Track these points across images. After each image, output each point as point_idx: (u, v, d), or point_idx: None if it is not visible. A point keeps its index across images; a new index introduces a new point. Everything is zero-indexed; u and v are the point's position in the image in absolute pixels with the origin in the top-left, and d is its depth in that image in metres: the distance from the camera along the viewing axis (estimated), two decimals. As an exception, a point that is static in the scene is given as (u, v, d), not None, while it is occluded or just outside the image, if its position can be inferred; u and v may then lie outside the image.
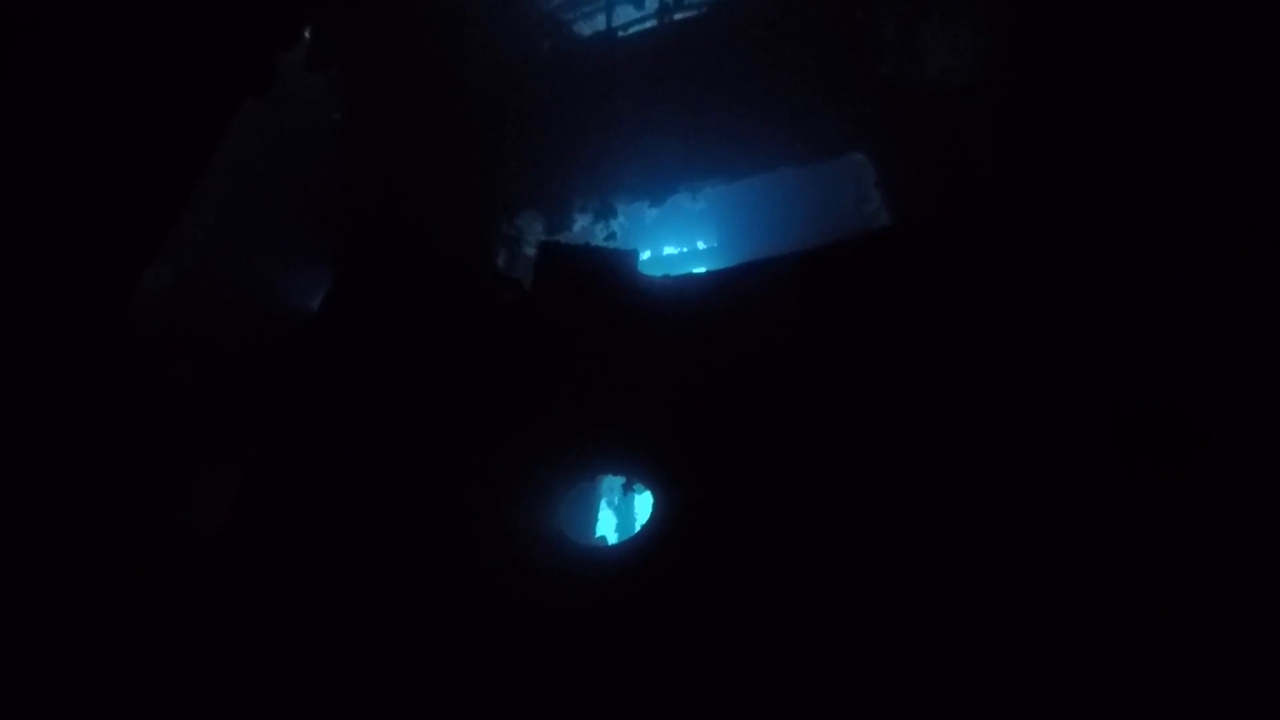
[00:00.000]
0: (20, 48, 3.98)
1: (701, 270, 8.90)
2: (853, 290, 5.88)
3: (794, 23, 7.93)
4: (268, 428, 7.11)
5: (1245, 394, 4.46)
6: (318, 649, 5.57)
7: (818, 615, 4.79)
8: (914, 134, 7.03)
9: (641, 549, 5.54)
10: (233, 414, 8.49)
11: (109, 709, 5.64)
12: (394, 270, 7.54)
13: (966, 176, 6.37)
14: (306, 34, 8.24)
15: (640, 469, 6.07)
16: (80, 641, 6.14)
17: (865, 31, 7.42)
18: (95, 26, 4.26)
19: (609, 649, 5.09)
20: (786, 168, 9.05)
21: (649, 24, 9.04)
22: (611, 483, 9.28)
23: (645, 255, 14.16)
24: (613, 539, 12.26)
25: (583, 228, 9.21)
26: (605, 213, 9.16)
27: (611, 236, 9.20)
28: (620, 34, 9.09)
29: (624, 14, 9.59)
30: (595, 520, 11.90)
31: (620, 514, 14.06)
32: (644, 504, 12.22)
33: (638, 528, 5.93)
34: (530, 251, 8.49)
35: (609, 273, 6.89)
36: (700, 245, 14.86)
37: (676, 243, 15.07)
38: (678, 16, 8.86)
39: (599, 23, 9.68)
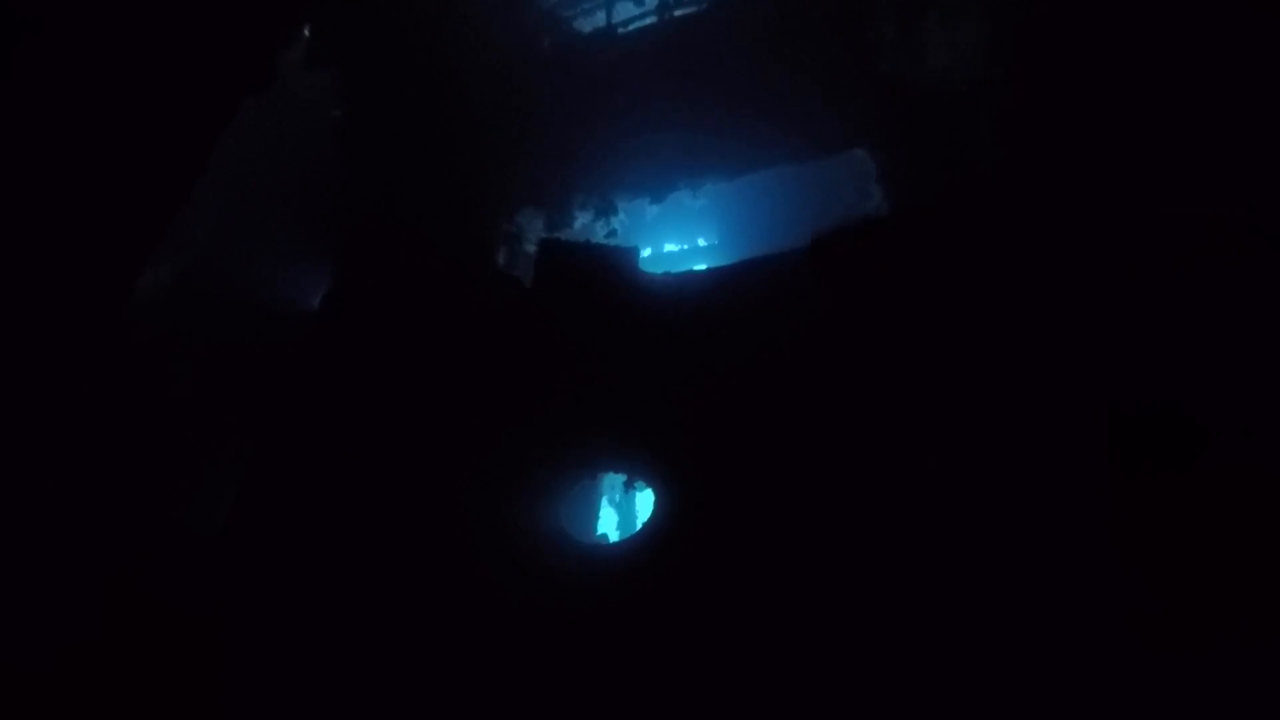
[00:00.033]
0: (20, 47, 3.97)
1: (702, 267, 8.90)
2: (853, 286, 5.88)
3: (794, 19, 7.92)
4: (268, 427, 7.11)
5: (1245, 394, 4.45)
6: (318, 649, 5.57)
7: (819, 613, 4.79)
8: (915, 130, 7.02)
9: (643, 547, 5.54)
10: (233, 414, 8.49)
11: (109, 709, 5.64)
12: (394, 269, 7.53)
13: (967, 172, 6.36)
14: (306, 32, 8.24)
15: (641, 466, 6.07)
16: (80, 641, 6.14)
17: (865, 28, 7.41)
18: (94, 25, 4.26)
19: (611, 646, 5.09)
20: (787, 164, 9.05)
21: (649, 21, 9.02)
22: (613, 480, 9.30)
23: (646, 252, 14.17)
24: (614, 537, 12.28)
25: (583, 225, 9.20)
26: (606, 210, 9.16)
27: (612, 234, 9.19)
28: (620, 31, 9.08)
29: (624, 10, 9.58)
30: (596, 518, 11.91)
31: (622, 512, 14.05)
32: (645, 502, 12.22)
33: (639, 526, 5.92)
34: (531, 249, 8.49)
35: (610, 270, 6.89)
36: (701, 242, 14.87)
37: (677, 240, 15.08)
38: (678, 13, 8.85)
39: (599, 19, 9.67)
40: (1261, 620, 3.95)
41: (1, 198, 3.98)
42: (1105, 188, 5.46)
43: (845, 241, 6.09)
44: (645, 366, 6.18)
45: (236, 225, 9.99)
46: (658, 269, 7.40)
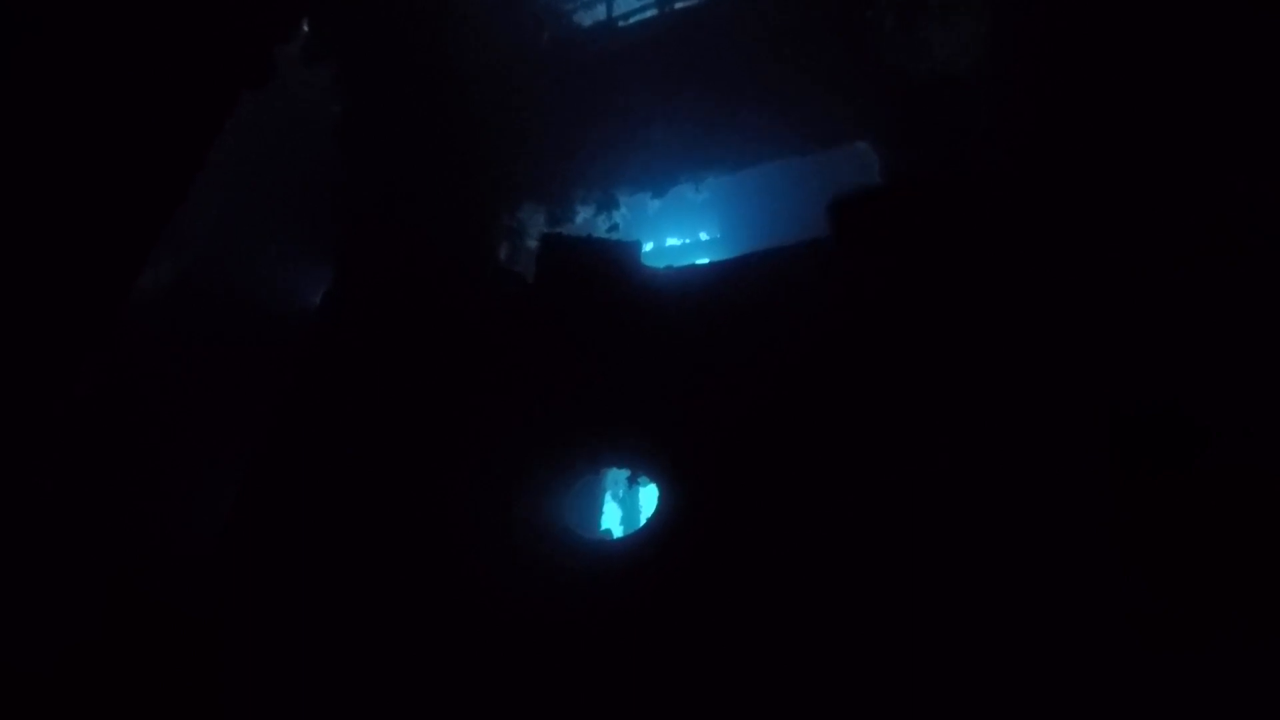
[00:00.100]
0: (18, 45, 3.97)
1: (704, 261, 8.88)
2: (854, 284, 5.88)
3: (796, 11, 7.90)
4: (268, 427, 7.11)
5: (1245, 394, 4.45)
6: (318, 649, 5.57)
7: (820, 610, 4.79)
8: (917, 122, 7.01)
9: (646, 542, 5.53)
10: (233, 413, 8.49)
11: (109, 709, 5.64)
12: (395, 266, 7.53)
13: (969, 165, 6.34)
14: (304, 27, 8.23)
15: (645, 461, 6.07)
16: (80, 641, 6.14)
17: (867, 20, 7.40)
18: (91, 20, 4.25)
19: (614, 643, 5.08)
20: (789, 158, 9.03)
21: (649, 13, 8.99)
22: (616, 476, 9.29)
23: (648, 247, 14.15)
24: (618, 532, 12.27)
25: (585, 219, 9.19)
26: (607, 204, 9.13)
27: (614, 228, 9.17)
28: (621, 24, 9.05)
29: (624, 3, 9.55)
30: (600, 513, 11.89)
31: (625, 507, 14.03)
32: (649, 497, 12.22)
33: (643, 521, 5.92)
34: (532, 244, 8.47)
35: (612, 264, 6.89)
36: (703, 236, 14.84)
37: (679, 234, 15.05)
38: (678, 5, 8.82)
39: (599, 12, 9.64)
40: (1261, 620, 3.95)
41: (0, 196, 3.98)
42: (1105, 186, 5.46)
43: (865, 202, 6.11)
44: (648, 361, 6.18)
45: (237, 224, 9.99)
46: (660, 263, 7.40)
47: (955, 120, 6.66)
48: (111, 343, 7.51)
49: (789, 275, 6.19)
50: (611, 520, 13.34)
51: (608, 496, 12.49)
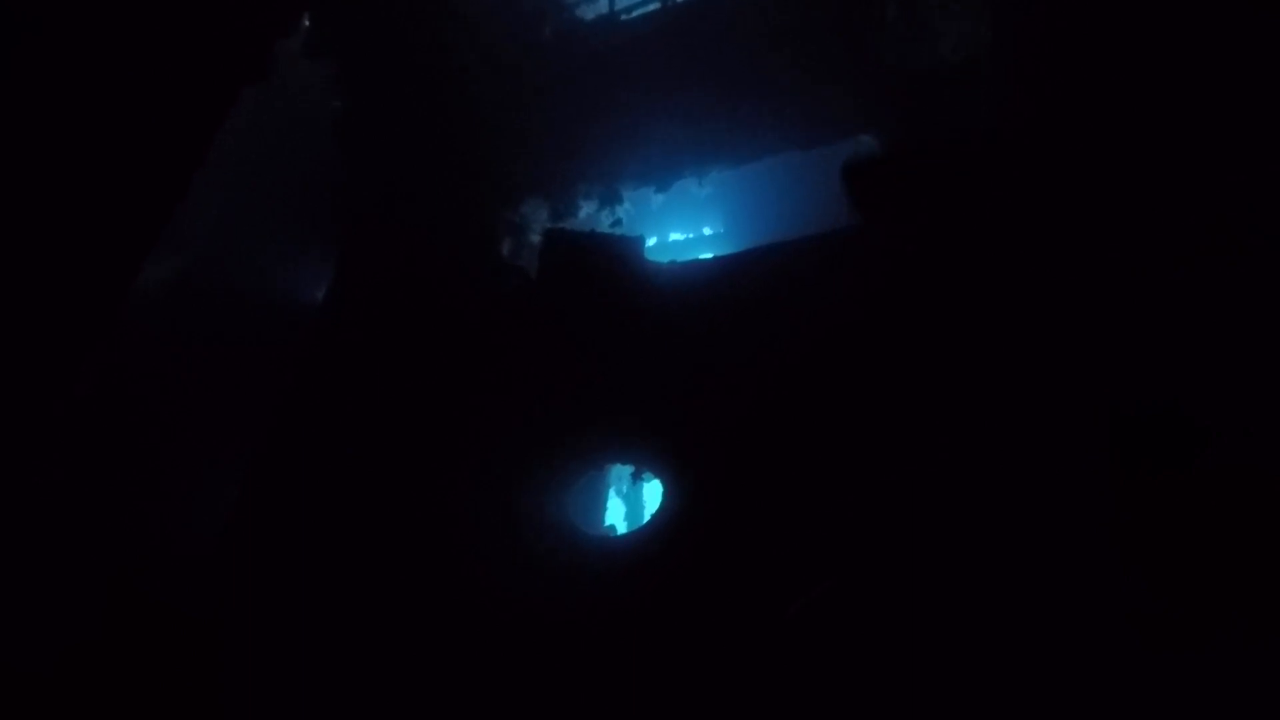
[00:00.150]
0: (18, 42, 3.97)
1: (708, 256, 8.86)
2: (856, 281, 5.88)
3: (799, 4, 7.88)
4: (268, 427, 7.11)
5: (1245, 394, 4.45)
6: (319, 649, 5.56)
7: (822, 608, 4.78)
8: (921, 115, 7.00)
9: (650, 539, 5.53)
10: (233, 413, 8.48)
11: (109, 709, 5.64)
12: (397, 262, 7.52)
13: (971, 158, 6.33)
14: (305, 22, 8.23)
15: (648, 457, 6.06)
16: (80, 641, 6.14)
17: (869, 13, 7.40)
18: (90, 15, 4.24)
19: (618, 639, 5.08)
20: (793, 151, 9.00)
21: (652, 7, 8.97)
22: (620, 471, 9.27)
23: (651, 241, 14.08)
24: (622, 529, 12.25)
25: (588, 214, 9.17)
26: (611, 199, 9.12)
27: (617, 223, 9.14)
28: (623, 18, 9.04)
29: (625, -4, 9.53)
30: (604, 509, 11.88)
31: (629, 503, 14.01)
32: (653, 492, 12.19)
33: (647, 517, 5.92)
34: (535, 239, 8.46)
35: (615, 259, 6.89)
36: (706, 231, 14.80)
37: (683, 228, 15.00)
38: (681, -1, 8.81)
39: (601, 6, 9.62)
40: (1261, 620, 3.95)
41: None
42: (1105, 185, 5.46)
43: (878, 164, 6.12)
44: (651, 357, 6.17)
45: (237, 224, 9.99)
46: (663, 258, 7.39)
47: (958, 114, 6.66)
48: (111, 343, 7.50)
49: (793, 270, 6.18)
50: (615, 517, 13.34)
51: (611, 493, 12.48)
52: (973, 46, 6.73)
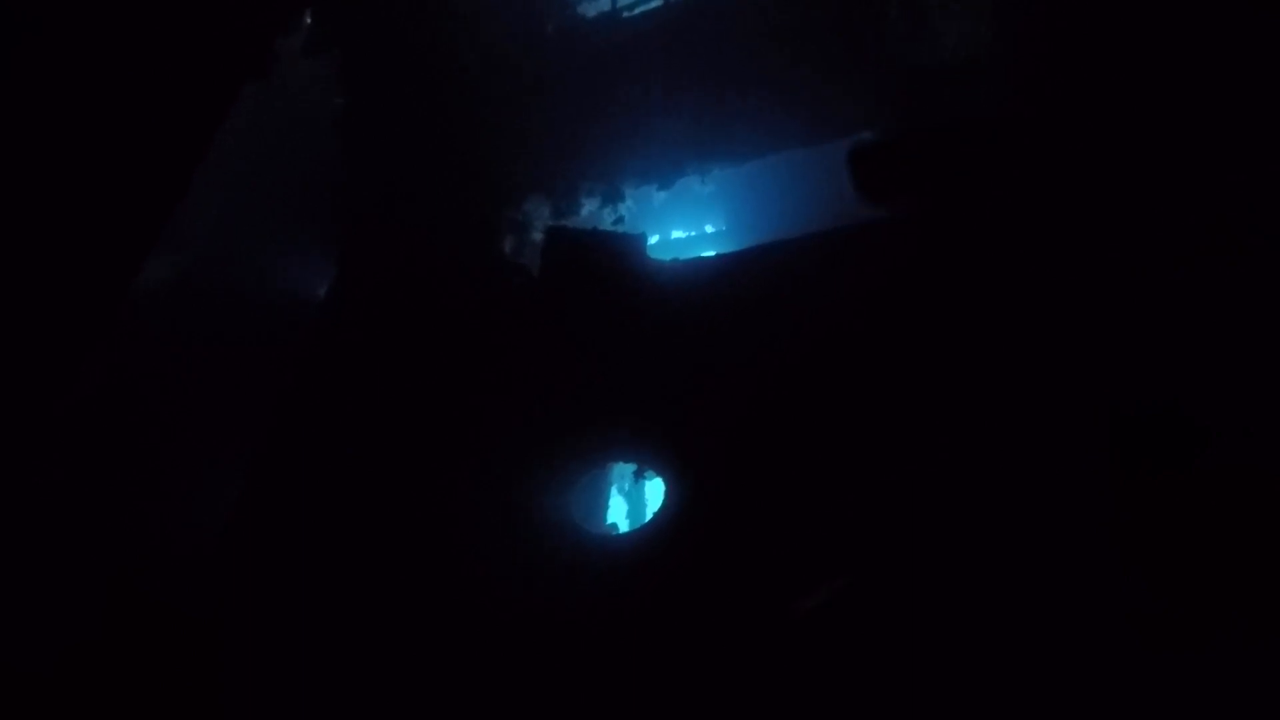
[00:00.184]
0: (18, 42, 3.97)
1: (711, 254, 8.83)
2: (858, 279, 5.88)
3: (801, 0, 7.88)
4: (268, 427, 7.10)
5: (1245, 394, 4.45)
6: (319, 649, 5.56)
7: (824, 606, 4.79)
8: (923, 113, 7.00)
9: (653, 537, 5.53)
10: (233, 413, 8.48)
11: (109, 709, 5.64)
12: (399, 260, 7.52)
13: (976, 145, 6.33)
14: (307, 19, 8.23)
15: (651, 456, 6.06)
16: (80, 641, 6.14)
17: (872, 8, 7.40)
18: (90, 13, 4.24)
19: (620, 638, 5.08)
20: (796, 149, 8.98)
21: (654, 4, 8.96)
22: (622, 470, 9.27)
23: (653, 239, 14.04)
24: (624, 527, 12.24)
25: (590, 212, 9.15)
26: (613, 196, 9.10)
27: (619, 221, 9.11)
28: (625, 15, 9.03)
29: (627, -8, 9.51)
30: (606, 508, 11.87)
31: (631, 501, 14.00)
32: (655, 491, 12.20)
33: (649, 515, 5.92)
34: (537, 237, 8.44)
35: (617, 257, 6.87)
36: (709, 229, 14.75)
37: (685, 226, 14.91)
38: (683, -6, 8.79)
39: (603, 3, 9.61)
40: (1261, 620, 3.95)
41: None
42: (1105, 185, 5.46)
43: (884, 149, 6.13)
44: (653, 355, 6.17)
45: (237, 223, 9.99)
46: (666, 256, 7.38)
47: (959, 112, 6.66)
48: (111, 342, 7.50)
49: (795, 268, 6.18)
50: (618, 515, 13.32)
51: (613, 491, 12.47)
52: (974, 45, 6.74)
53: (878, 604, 4.68)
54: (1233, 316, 4.66)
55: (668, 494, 5.73)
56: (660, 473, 6.06)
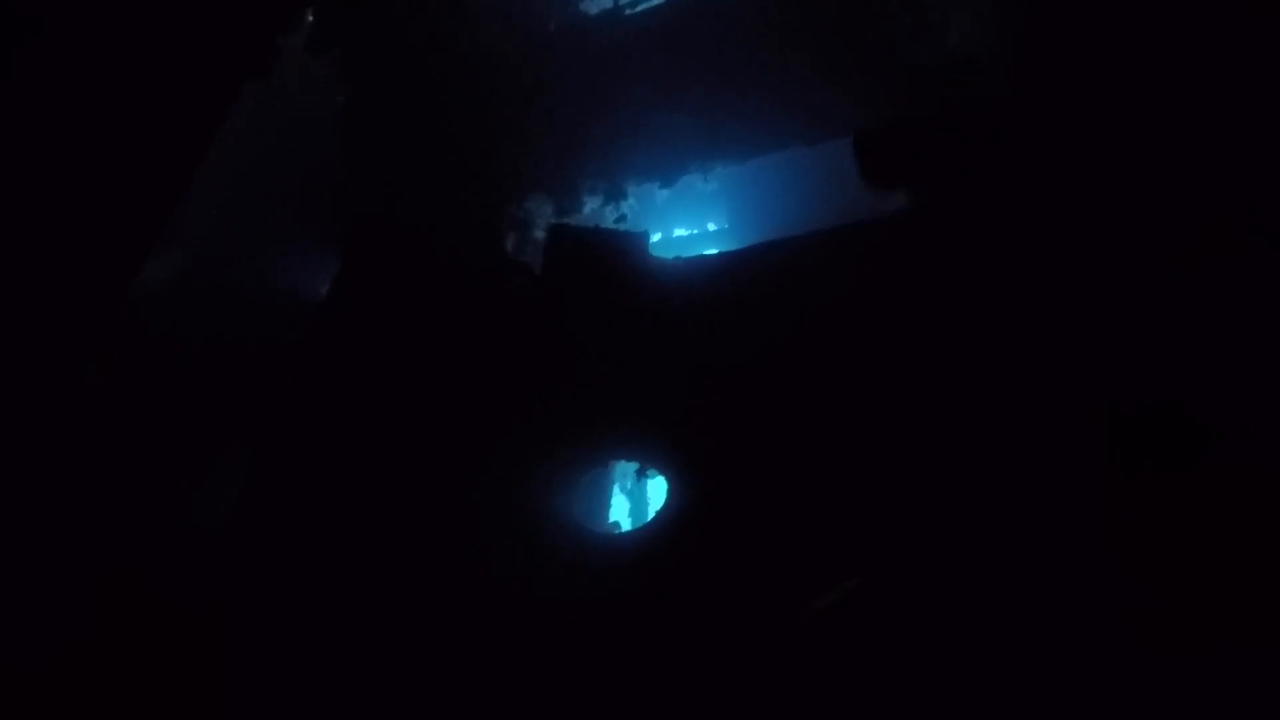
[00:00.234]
0: (18, 42, 3.96)
1: (713, 252, 8.83)
2: (860, 277, 5.88)
3: (804, -1, 7.89)
4: (269, 427, 7.10)
5: (1245, 394, 4.45)
6: (320, 649, 5.56)
7: (825, 605, 4.79)
8: (925, 111, 7.00)
9: (655, 535, 5.53)
10: (233, 413, 8.48)
11: (109, 709, 5.64)
12: (400, 258, 7.51)
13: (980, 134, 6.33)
14: (309, 17, 8.22)
15: (653, 454, 6.06)
16: (80, 641, 6.14)
17: (875, 6, 7.40)
18: (90, 12, 4.24)
19: (623, 637, 5.08)
20: (799, 147, 8.96)
21: (656, 1, 8.96)
22: (624, 468, 9.27)
23: (656, 237, 14.02)
24: (626, 525, 12.24)
25: (592, 210, 9.13)
26: (615, 194, 9.08)
27: (622, 219, 9.08)
28: (627, 12, 9.03)
29: (630, -10, 9.50)
30: (608, 506, 11.86)
31: (633, 500, 13.99)
32: (658, 489, 12.19)
33: (651, 514, 5.91)
34: (539, 235, 8.44)
35: (619, 255, 6.87)
36: (711, 227, 14.73)
37: (687, 224, 14.87)
38: (687, -9, 8.77)
39: (605, 1, 9.61)
40: (1261, 620, 3.95)
41: None
42: (1106, 185, 5.46)
43: (889, 138, 6.14)
44: (655, 353, 6.16)
45: (237, 223, 9.98)
46: (668, 254, 7.38)
47: (963, 109, 6.65)
48: (112, 342, 7.50)
49: (798, 265, 6.18)
50: (620, 513, 13.30)
51: (616, 489, 12.46)
52: (974, 45, 6.74)
53: (877, 604, 4.68)
54: (1233, 316, 4.66)
55: (670, 493, 5.73)
56: (662, 471, 6.06)
